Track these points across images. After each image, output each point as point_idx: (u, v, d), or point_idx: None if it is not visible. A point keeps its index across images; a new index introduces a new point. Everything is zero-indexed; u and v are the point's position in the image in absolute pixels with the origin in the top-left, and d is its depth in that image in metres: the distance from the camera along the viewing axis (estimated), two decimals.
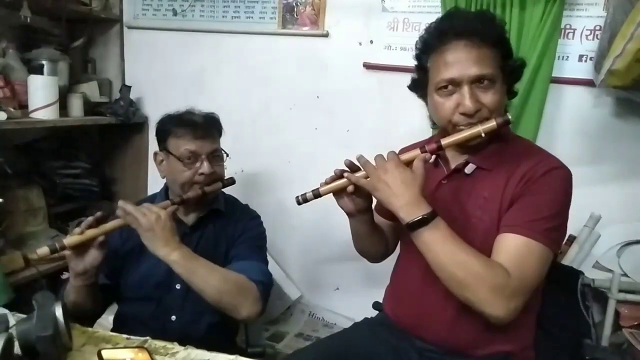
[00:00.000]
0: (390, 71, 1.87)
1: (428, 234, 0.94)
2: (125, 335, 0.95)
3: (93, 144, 2.33)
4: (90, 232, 1.09)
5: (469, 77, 0.99)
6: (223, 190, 1.37)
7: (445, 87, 1.01)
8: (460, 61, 0.99)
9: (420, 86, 1.12)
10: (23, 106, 1.79)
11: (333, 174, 1.09)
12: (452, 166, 1.11)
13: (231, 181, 1.36)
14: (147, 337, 0.94)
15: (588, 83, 1.63)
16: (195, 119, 1.31)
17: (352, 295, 2.08)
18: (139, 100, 2.27)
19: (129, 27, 2.25)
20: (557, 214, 0.98)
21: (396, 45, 1.86)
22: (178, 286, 1.29)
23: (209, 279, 1.13)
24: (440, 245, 0.94)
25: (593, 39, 1.60)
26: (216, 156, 1.32)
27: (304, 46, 2.01)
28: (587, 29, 1.61)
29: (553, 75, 1.62)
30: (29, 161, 2.00)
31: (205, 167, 1.27)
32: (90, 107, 2.08)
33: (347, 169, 1.07)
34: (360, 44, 1.93)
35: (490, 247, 0.99)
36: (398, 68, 1.83)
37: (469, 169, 1.08)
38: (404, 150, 1.25)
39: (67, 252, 1.10)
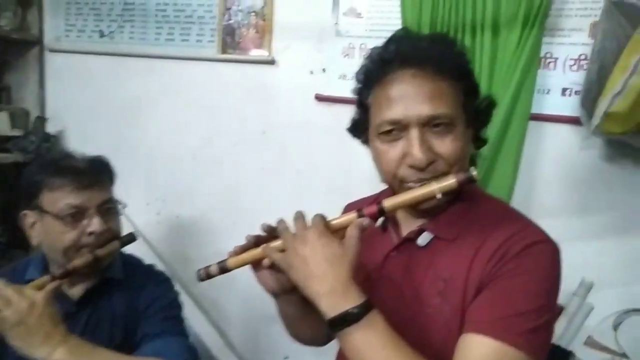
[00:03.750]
0: (346, 104, 1.59)
1: (358, 336, 0.66)
2: None
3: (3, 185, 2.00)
4: None
5: (418, 118, 0.73)
6: (121, 250, 1.08)
7: (389, 131, 0.76)
8: (406, 97, 0.74)
9: (361, 129, 0.87)
10: None
11: (245, 241, 0.83)
12: (404, 233, 0.84)
13: (131, 238, 1.09)
14: None
15: (573, 121, 1.38)
16: (76, 164, 1.03)
17: None
18: (61, 133, 1.97)
19: (51, 50, 1.96)
20: (543, 306, 0.70)
21: (352, 74, 1.58)
22: None
23: None
24: (375, 353, 0.66)
25: (578, 70, 1.37)
26: (109, 208, 1.05)
27: (248, 74, 1.74)
28: (570, 59, 1.38)
29: (532, 111, 1.37)
30: None
31: (95, 223, 0.99)
32: None
33: (263, 234, 0.81)
34: (311, 72, 1.67)
35: (452, 352, 0.70)
36: (355, 101, 1.56)
37: (423, 239, 0.81)
38: (352, 206, 0.99)
39: None
